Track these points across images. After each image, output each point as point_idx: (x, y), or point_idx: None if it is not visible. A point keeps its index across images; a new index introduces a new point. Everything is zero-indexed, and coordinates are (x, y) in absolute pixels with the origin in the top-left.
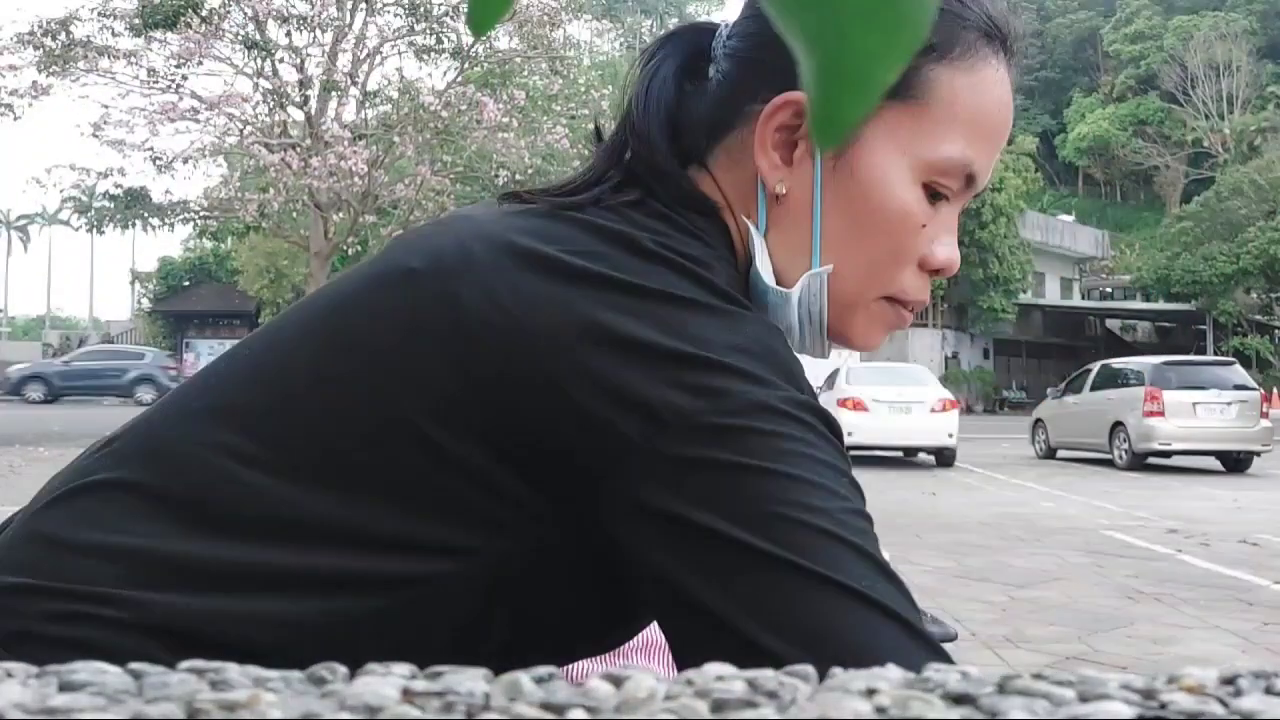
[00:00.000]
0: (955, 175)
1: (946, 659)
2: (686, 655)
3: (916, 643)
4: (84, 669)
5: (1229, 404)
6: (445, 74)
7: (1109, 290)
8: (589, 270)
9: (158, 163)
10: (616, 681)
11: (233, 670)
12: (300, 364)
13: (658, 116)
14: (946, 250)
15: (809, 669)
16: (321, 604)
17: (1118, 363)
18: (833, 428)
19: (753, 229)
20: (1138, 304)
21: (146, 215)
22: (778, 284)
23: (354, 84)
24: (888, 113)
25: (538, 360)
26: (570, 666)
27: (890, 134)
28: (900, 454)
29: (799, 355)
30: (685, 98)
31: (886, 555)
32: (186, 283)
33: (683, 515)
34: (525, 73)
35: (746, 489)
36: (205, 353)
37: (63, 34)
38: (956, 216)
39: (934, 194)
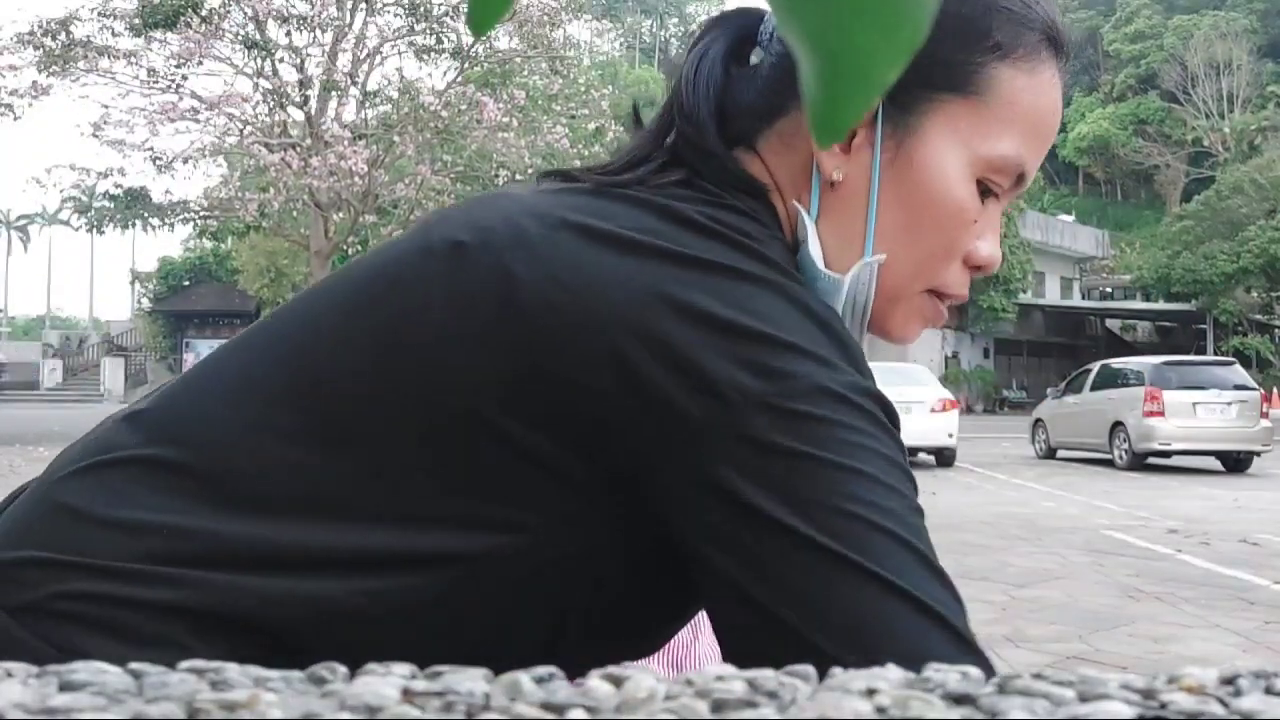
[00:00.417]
0: (1008, 173)
1: (991, 671)
2: (732, 642)
3: (964, 652)
4: (84, 669)
5: (1229, 404)
6: (445, 74)
7: (1109, 290)
8: (649, 244)
9: (158, 163)
10: (616, 681)
11: (233, 670)
12: (334, 342)
13: (707, 99)
14: (990, 247)
15: (809, 669)
16: (357, 584)
17: (1118, 362)
18: (891, 415)
19: (804, 213)
20: (1138, 304)
21: (146, 215)
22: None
23: (354, 84)
24: (949, 106)
25: (601, 335)
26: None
27: (950, 128)
28: None
29: None
30: (731, 81)
31: None
32: (186, 282)
33: (737, 494)
34: (525, 73)
35: (804, 478)
36: (205, 352)
37: (63, 34)
38: (1000, 214)
39: (985, 190)
